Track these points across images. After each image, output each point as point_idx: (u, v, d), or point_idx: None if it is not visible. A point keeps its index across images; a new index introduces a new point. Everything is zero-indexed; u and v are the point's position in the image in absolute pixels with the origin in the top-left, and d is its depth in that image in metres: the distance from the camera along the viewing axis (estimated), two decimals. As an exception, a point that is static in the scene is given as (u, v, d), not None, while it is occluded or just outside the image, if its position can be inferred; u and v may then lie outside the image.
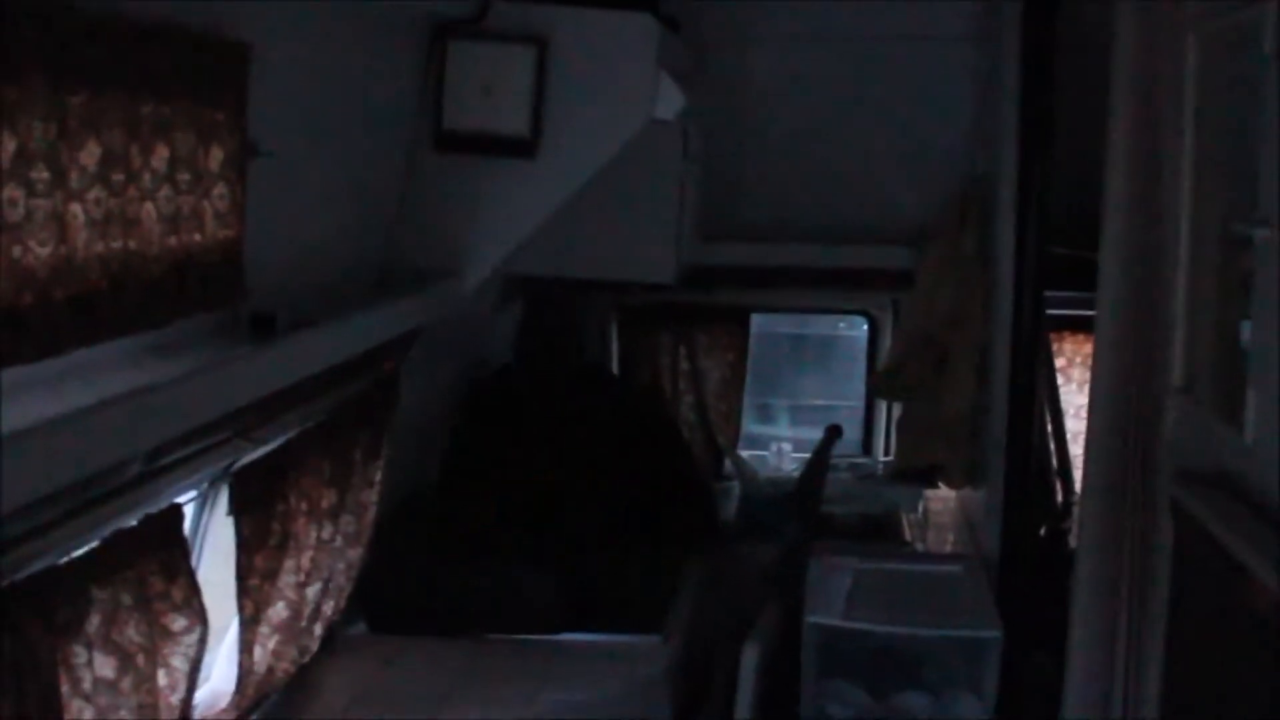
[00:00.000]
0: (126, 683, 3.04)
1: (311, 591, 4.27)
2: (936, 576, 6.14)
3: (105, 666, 2.99)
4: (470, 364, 6.32)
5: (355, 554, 4.62)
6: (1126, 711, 5.08)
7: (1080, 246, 5.50)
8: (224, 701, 3.98)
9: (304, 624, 4.29)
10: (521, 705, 4.45)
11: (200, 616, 3.28)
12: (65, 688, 2.92)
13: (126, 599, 3.02)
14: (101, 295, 2.70)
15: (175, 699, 3.30)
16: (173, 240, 2.95)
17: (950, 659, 5.64)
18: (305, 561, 4.17)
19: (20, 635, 2.61)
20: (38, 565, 2.73)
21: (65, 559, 2.86)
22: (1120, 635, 5.09)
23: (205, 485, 3.72)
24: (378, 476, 4.67)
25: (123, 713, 3.06)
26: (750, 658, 5.13)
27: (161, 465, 3.15)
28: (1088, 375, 6.05)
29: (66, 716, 2.91)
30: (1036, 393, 6.58)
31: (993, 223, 6.63)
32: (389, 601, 5.03)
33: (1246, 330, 4.58)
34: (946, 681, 5.67)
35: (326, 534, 4.29)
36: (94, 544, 2.96)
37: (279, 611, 4.10)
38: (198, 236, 3.08)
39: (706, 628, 5.48)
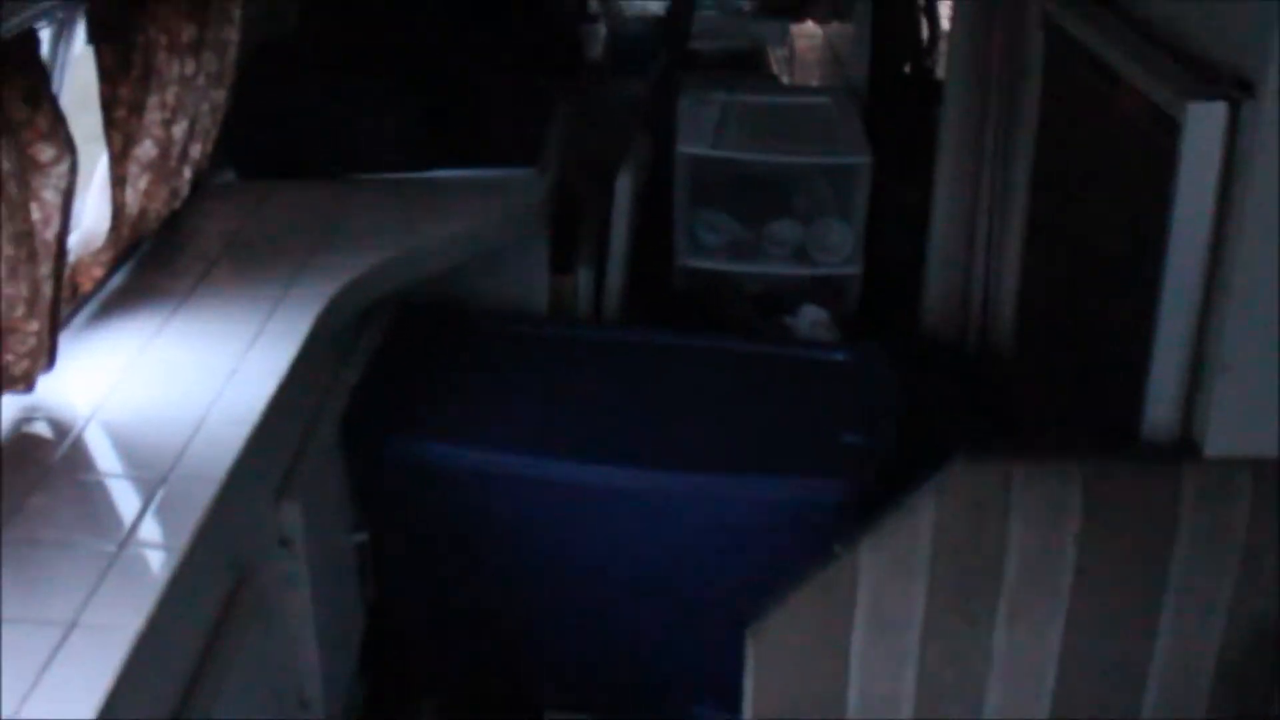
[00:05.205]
0: None
1: (178, 131, 4.17)
2: (805, 108, 6.19)
3: (-25, 195, 2.93)
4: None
5: (219, 95, 4.48)
6: (991, 236, 5.24)
7: None
8: (99, 241, 3.93)
9: (173, 164, 4.21)
10: (401, 237, 4.45)
11: (68, 146, 3.18)
12: (-64, 218, 2.86)
13: (-11, 126, 2.93)
14: None
15: (50, 234, 3.24)
16: None
17: (820, 187, 5.75)
18: (169, 98, 4.05)
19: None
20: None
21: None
22: (987, 160, 5.20)
23: (59, 14, 3.55)
24: (237, 14, 4.50)
25: (-1, 242, 3.01)
26: (624, 187, 5.17)
27: (12, -13, 3.00)
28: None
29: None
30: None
31: None
32: (256, 147, 4.92)
33: None
34: (817, 209, 5.81)
35: (189, 70, 4.14)
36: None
37: (147, 150, 4.01)
38: None
39: (579, 160, 5.49)
